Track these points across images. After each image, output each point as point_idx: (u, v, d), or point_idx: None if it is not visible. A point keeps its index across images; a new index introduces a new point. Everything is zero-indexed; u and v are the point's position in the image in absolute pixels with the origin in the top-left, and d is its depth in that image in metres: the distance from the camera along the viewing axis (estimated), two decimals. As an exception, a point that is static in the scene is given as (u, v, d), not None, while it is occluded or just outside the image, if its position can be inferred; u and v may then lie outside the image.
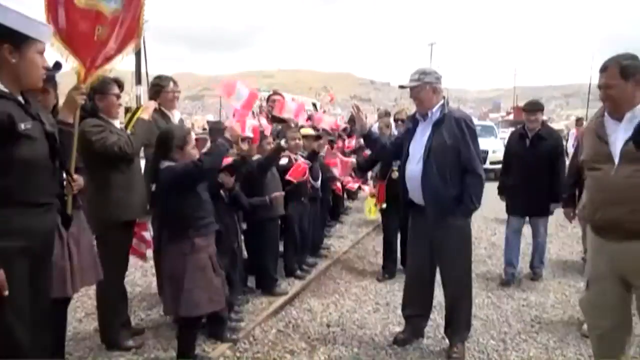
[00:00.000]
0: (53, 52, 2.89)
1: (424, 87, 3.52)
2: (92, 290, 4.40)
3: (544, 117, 11.53)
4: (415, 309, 3.80)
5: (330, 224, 7.53)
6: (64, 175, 2.59)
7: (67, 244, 2.75)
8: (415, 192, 3.57)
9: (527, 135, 5.21)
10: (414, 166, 3.53)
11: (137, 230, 3.66)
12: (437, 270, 3.72)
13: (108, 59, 3.13)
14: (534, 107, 5.31)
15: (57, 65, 2.56)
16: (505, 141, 5.88)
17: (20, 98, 2.15)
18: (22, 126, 2.03)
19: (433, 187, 3.43)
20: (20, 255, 2.07)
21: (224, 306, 3.31)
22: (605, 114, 2.71)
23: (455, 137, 3.42)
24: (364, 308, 4.50)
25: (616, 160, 2.57)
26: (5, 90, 2.06)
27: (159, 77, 4.09)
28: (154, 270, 5.09)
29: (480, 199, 3.53)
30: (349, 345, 3.76)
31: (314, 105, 13.00)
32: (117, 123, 3.48)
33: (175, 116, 4.02)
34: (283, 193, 4.58)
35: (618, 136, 2.59)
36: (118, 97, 3.47)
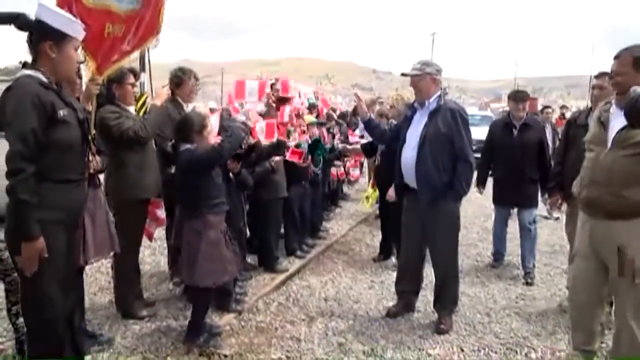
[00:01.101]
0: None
1: (424, 77, 3.75)
2: (104, 267, 4.74)
3: (547, 106, 11.59)
4: (408, 285, 4.12)
5: (329, 209, 7.83)
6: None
7: (82, 218, 3.05)
8: (409, 176, 3.83)
9: (513, 125, 5.12)
10: (410, 152, 3.78)
11: (150, 208, 3.95)
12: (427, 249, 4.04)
13: (125, 53, 3.42)
14: (522, 96, 5.27)
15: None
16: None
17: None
18: (61, 113, 2.32)
19: (426, 172, 3.68)
20: (57, 225, 2.37)
21: (235, 277, 3.62)
22: (613, 101, 2.84)
23: (449, 126, 3.66)
24: (360, 285, 4.81)
25: (609, 145, 2.75)
26: (46, 80, 2.34)
27: (181, 70, 4.32)
28: (161, 249, 5.43)
29: (470, 185, 3.83)
30: (344, 317, 4.06)
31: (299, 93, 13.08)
32: (132, 109, 3.76)
33: (190, 108, 4.29)
34: (282, 157, 4.80)
35: (616, 123, 2.73)
36: (133, 85, 3.75)
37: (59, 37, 2.38)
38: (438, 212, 3.74)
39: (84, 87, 3.25)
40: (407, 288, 4.13)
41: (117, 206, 3.55)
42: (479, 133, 6.46)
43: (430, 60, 4.00)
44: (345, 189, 9.51)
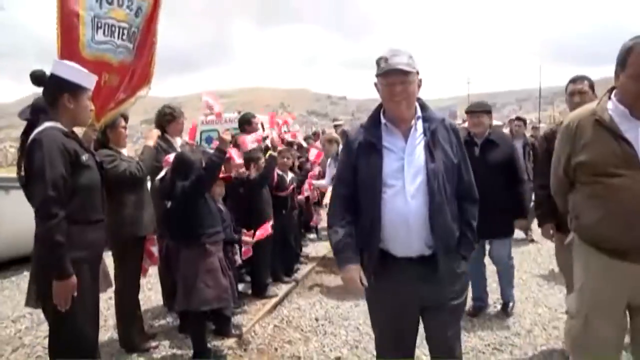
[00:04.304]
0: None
1: (415, 78, 2.36)
2: (101, 306, 4.83)
3: (499, 123, 10.87)
4: None
5: (304, 235, 8.07)
6: None
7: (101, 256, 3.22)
8: (405, 239, 2.36)
9: (474, 143, 4.34)
10: (404, 201, 2.32)
11: (146, 245, 4.13)
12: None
13: (120, 102, 3.68)
14: (478, 108, 4.44)
15: None
16: None
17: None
18: (84, 158, 2.55)
19: (446, 228, 2.37)
20: (83, 264, 2.57)
21: (231, 304, 3.84)
22: (621, 109, 2.29)
23: (456, 152, 2.46)
24: (346, 304, 5.06)
25: None
26: (66, 130, 2.57)
27: (171, 108, 4.56)
28: (149, 286, 5.55)
29: None
30: (337, 334, 4.31)
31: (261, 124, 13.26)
32: (125, 151, 3.97)
33: (178, 142, 4.53)
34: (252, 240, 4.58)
35: None
36: (125, 128, 3.97)
37: (76, 89, 2.62)
38: (454, 283, 2.46)
39: None
40: None
41: (117, 244, 3.73)
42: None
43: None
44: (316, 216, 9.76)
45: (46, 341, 4.10)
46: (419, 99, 2.45)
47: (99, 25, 3.48)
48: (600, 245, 2.34)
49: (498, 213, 4.01)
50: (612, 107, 2.32)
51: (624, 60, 2.25)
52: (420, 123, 2.42)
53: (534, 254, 6.76)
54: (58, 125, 2.56)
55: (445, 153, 2.39)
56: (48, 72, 2.65)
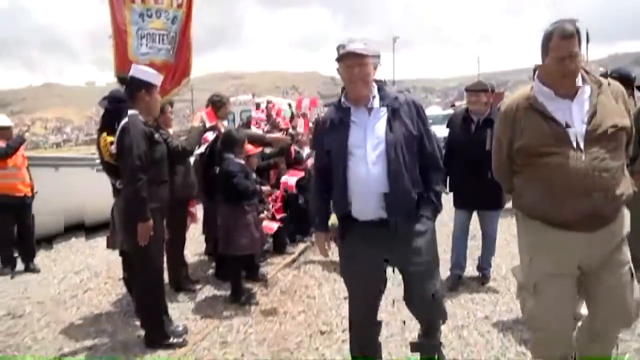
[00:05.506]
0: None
1: (369, 61, 2.69)
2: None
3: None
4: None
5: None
6: None
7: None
8: (368, 203, 2.68)
9: (471, 119, 4.66)
10: (366, 167, 2.65)
11: (188, 206, 5.06)
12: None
13: (167, 92, 4.60)
14: (475, 87, 4.75)
15: None
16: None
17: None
18: (156, 136, 3.49)
19: (403, 191, 2.65)
20: (157, 212, 3.54)
21: (259, 253, 4.80)
22: (545, 90, 2.43)
23: (418, 125, 2.74)
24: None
25: (581, 143, 2.32)
26: (144, 119, 3.52)
27: (219, 95, 5.49)
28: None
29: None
30: (345, 281, 5.24)
31: (289, 105, 14.13)
32: (171, 130, 4.90)
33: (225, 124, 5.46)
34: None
35: (573, 116, 2.36)
36: (171, 113, 4.90)
37: (149, 86, 3.55)
38: (416, 241, 2.73)
39: None
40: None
41: (168, 204, 4.68)
42: (444, 131, 5.50)
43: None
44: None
45: (104, 285, 5.20)
46: (377, 81, 2.82)
47: (142, 35, 4.46)
48: (544, 219, 2.44)
49: (488, 187, 4.09)
50: (537, 90, 2.47)
51: (546, 43, 2.39)
52: (377, 100, 2.73)
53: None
54: (138, 113, 3.49)
55: (405, 126, 2.68)
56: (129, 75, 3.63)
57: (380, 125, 2.68)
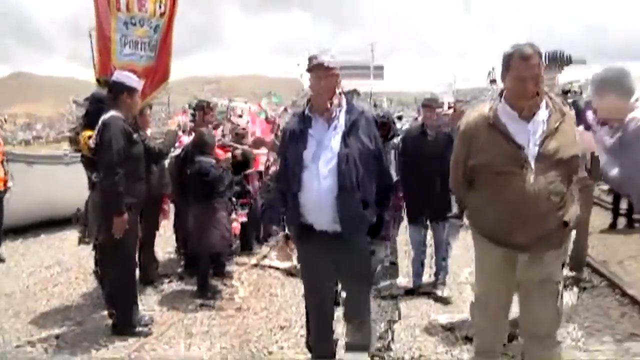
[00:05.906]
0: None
1: (337, 74, 2.77)
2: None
3: None
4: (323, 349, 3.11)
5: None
6: None
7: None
8: (321, 214, 2.74)
9: (426, 133, 4.78)
10: (317, 181, 2.70)
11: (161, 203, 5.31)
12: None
13: (146, 95, 4.85)
14: (430, 103, 4.94)
15: None
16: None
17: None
18: (135, 136, 3.76)
19: (354, 207, 2.70)
20: (133, 207, 3.81)
21: (227, 252, 5.07)
22: (509, 111, 2.46)
23: (375, 140, 2.80)
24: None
25: (532, 165, 2.36)
26: (124, 117, 3.77)
27: (206, 102, 5.80)
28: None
29: None
30: (307, 282, 5.55)
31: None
32: (149, 131, 5.14)
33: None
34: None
35: (530, 137, 2.40)
36: (149, 115, 5.15)
37: (131, 90, 3.83)
38: (357, 252, 2.88)
39: None
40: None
41: (143, 201, 4.92)
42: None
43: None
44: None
45: (75, 279, 5.36)
46: (345, 93, 2.88)
47: (125, 42, 4.71)
48: (491, 238, 2.55)
49: (438, 198, 4.51)
50: (501, 110, 2.49)
51: (507, 65, 2.43)
52: (343, 113, 2.76)
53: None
54: (118, 114, 3.75)
55: (361, 142, 2.71)
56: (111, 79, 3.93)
57: (336, 139, 2.72)
